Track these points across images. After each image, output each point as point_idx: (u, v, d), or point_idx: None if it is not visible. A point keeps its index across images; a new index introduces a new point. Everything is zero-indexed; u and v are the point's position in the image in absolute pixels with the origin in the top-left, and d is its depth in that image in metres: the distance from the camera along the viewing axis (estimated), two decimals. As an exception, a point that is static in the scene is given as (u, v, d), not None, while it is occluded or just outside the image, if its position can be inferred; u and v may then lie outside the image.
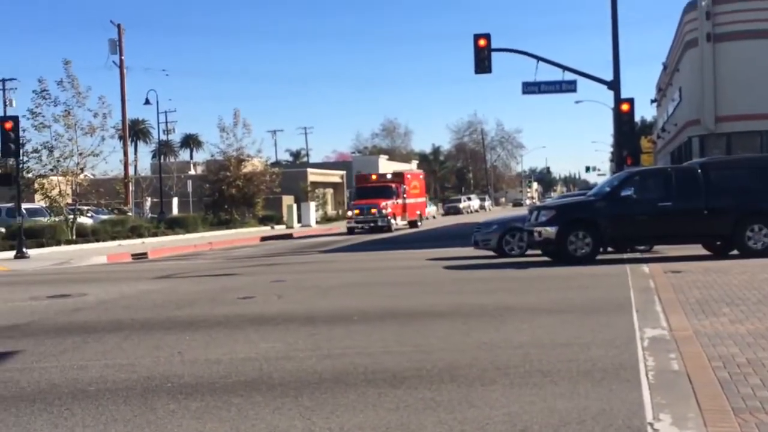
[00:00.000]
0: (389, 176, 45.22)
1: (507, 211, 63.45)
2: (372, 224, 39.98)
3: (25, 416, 6.01)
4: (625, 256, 17.83)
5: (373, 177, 45.67)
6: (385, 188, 42.36)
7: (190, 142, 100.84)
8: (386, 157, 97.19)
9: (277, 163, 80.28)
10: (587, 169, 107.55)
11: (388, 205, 40.68)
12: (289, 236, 40.83)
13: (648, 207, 16.67)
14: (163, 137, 69.24)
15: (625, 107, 26.79)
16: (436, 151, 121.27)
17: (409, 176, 46.18)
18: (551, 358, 7.29)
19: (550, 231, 16.87)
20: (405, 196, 43.25)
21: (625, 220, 16.70)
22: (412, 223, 44.83)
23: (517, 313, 10.15)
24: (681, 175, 17.38)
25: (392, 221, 40.67)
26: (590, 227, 16.71)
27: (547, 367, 6.94)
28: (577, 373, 6.72)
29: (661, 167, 29.55)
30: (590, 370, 6.81)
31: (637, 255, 18.14)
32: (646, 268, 14.99)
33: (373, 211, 40.09)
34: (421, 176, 51.47)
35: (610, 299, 11.11)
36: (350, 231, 40.28)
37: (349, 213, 41.43)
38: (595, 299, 11.23)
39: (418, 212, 46.57)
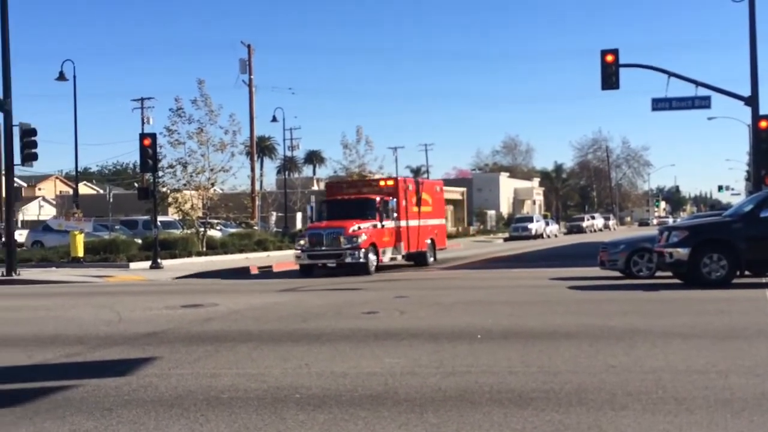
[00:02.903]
0: (375, 185, 28.13)
1: (633, 231, 61.55)
2: (336, 260, 24.21)
3: (164, 420, 6.30)
4: (764, 280, 16.93)
5: (349, 185, 29.93)
6: (364, 203, 25.82)
7: (314, 158, 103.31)
8: (507, 174, 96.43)
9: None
10: (720, 188, 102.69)
11: (362, 231, 24.38)
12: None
13: (790, 229, 15.79)
14: (288, 153, 71.37)
15: (763, 124, 25.52)
16: (558, 168, 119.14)
17: (410, 186, 28.39)
18: (686, 385, 7.01)
19: (682, 252, 16.23)
20: (397, 216, 26.39)
21: (765, 242, 15.88)
22: (418, 258, 28.11)
23: (648, 336, 9.81)
24: (827, 195, 16.38)
25: (370, 256, 24.46)
26: (726, 249, 15.97)
27: (681, 395, 6.68)
28: (715, 401, 6.44)
29: (803, 187, 27.87)
30: (729, 399, 6.51)
31: (777, 280, 17.19)
32: (787, 293, 14.20)
33: (339, 239, 24.12)
34: (438, 187, 32.01)
35: (749, 325, 10.57)
36: (305, 271, 24.66)
37: (301, 242, 25.18)
38: (732, 325, 10.71)
39: (429, 240, 29.03)
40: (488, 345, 9.54)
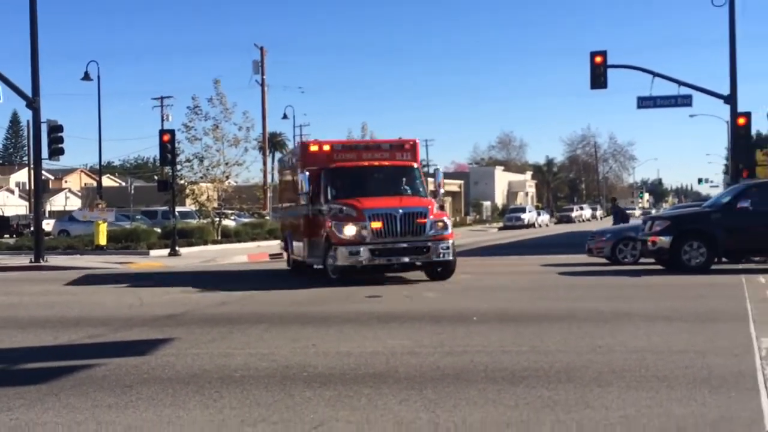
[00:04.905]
0: (387, 147, 17.53)
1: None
2: (418, 257, 15.09)
3: (180, 396, 6.30)
4: (740, 266, 16.89)
5: (353, 146, 18.56)
6: (402, 172, 16.90)
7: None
8: (502, 168, 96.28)
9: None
10: (700, 180, 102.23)
11: (444, 213, 16.80)
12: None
13: (765, 218, 15.80)
14: (298, 149, 71.05)
15: (741, 121, 25.40)
16: (549, 162, 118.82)
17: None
18: (667, 364, 6.99)
19: (665, 240, 16.24)
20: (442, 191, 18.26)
21: (742, 231, 15.91)
22: None
23: (633, 319, 9.79)
24: (800, 187, 16.41)
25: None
26: (705, 238, 16.00)
27: (663, 373, 6.66)
28: (694, 379, 6.42)
29: (778, 180, 27.82)
30: (707, 377, 6.49)
31: (752, 266, 17.16)
32: (762, 279, 14.17)
33: (421, 220, 15.00)
34: None
35: (726, 308, 10.55)
36: (341, 274, 15.16)
37: (349, 230, 14.84)
38: (711, 308, 10.69)
39: None
40: (484, 327, 9.52)
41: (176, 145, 28.98)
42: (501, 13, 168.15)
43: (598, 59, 25.90)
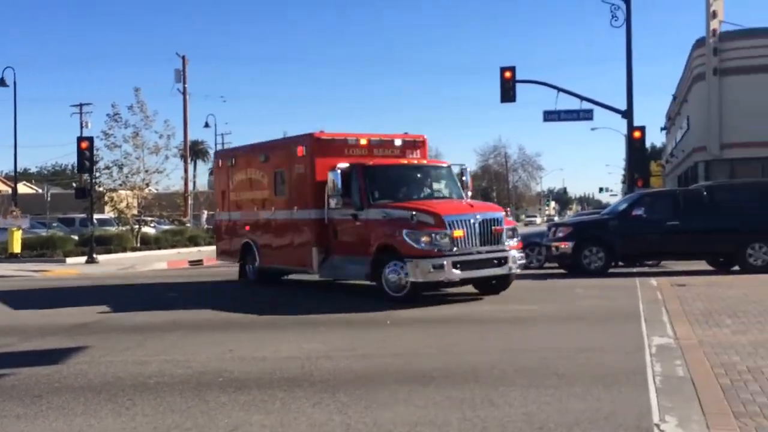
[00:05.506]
0: (399, 143, 14.97)
1: (524, 228, 62.81)
2: (495, 268, 12.52)
3: (92, 405, 6.08)
4: (635, 270, 17.57)
5: (397, 142, 14.95)
6: (441, 171, 14.80)
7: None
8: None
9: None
10: (600, 189, 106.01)
11: (510, 220, 14.24)
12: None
13: (657, 226, 16.48)
14: (219, 157, 69.89)
15: (637, 134, 26.36)
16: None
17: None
18: (566, 363, 7.20)
19: (567, 246, 16.77)
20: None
21: (636, 237, 16.54)
22: None
23: (536, 320, 10.04)
24: (688, 197, 17.29)
25: None
26: (604, 243, 16.59)
27: (562, 371, 6.85)
28: (591, 376, 6.63)
29: (669, 189, 29.14)
30: (602, 374, 6.72)
31: (646, 269, 17.88)
32: (654, 281, 14.76)
33: (498, 227, 12.55)
34: None
35: (621, 309, 10.95)
36: (413, 292, 12.23)
37: (424, 238, 11.88)
38: (607, 309, 11.07)
39: None
40: (397, 330, 9.57)
41: (95, 152, 28.01)
42: (426, 26, 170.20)
43: (507, 74, 26.45)
